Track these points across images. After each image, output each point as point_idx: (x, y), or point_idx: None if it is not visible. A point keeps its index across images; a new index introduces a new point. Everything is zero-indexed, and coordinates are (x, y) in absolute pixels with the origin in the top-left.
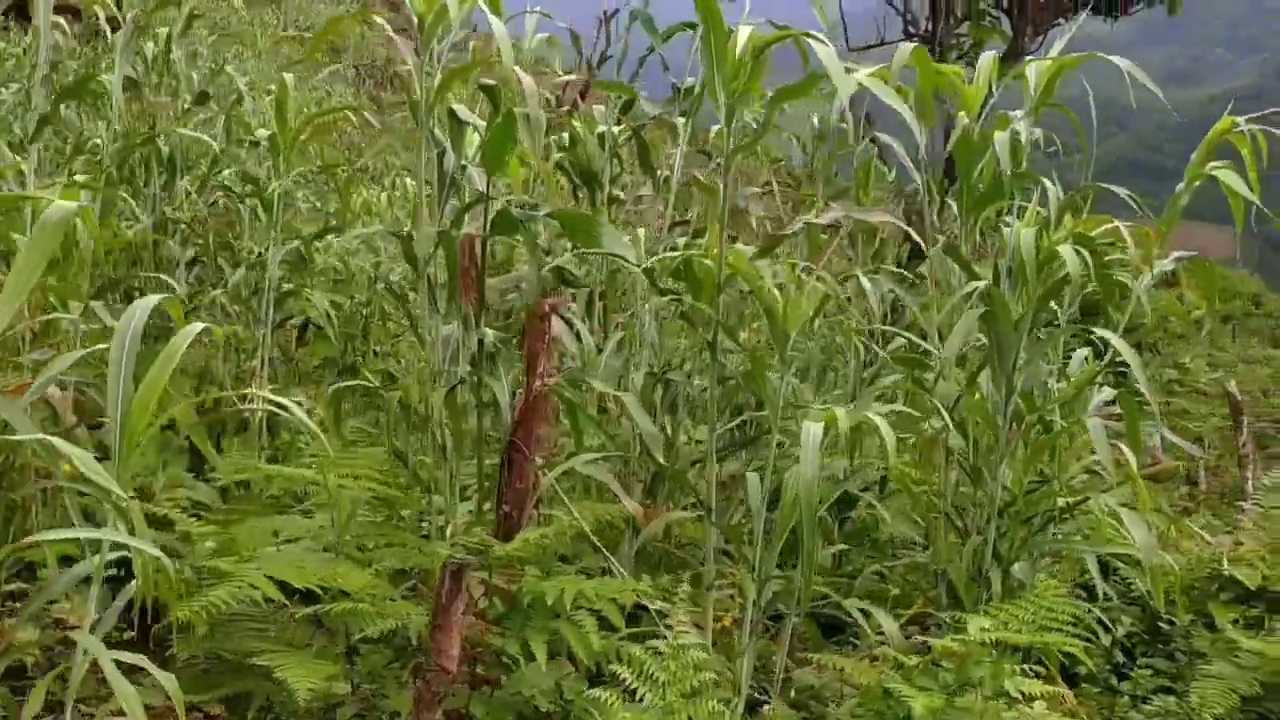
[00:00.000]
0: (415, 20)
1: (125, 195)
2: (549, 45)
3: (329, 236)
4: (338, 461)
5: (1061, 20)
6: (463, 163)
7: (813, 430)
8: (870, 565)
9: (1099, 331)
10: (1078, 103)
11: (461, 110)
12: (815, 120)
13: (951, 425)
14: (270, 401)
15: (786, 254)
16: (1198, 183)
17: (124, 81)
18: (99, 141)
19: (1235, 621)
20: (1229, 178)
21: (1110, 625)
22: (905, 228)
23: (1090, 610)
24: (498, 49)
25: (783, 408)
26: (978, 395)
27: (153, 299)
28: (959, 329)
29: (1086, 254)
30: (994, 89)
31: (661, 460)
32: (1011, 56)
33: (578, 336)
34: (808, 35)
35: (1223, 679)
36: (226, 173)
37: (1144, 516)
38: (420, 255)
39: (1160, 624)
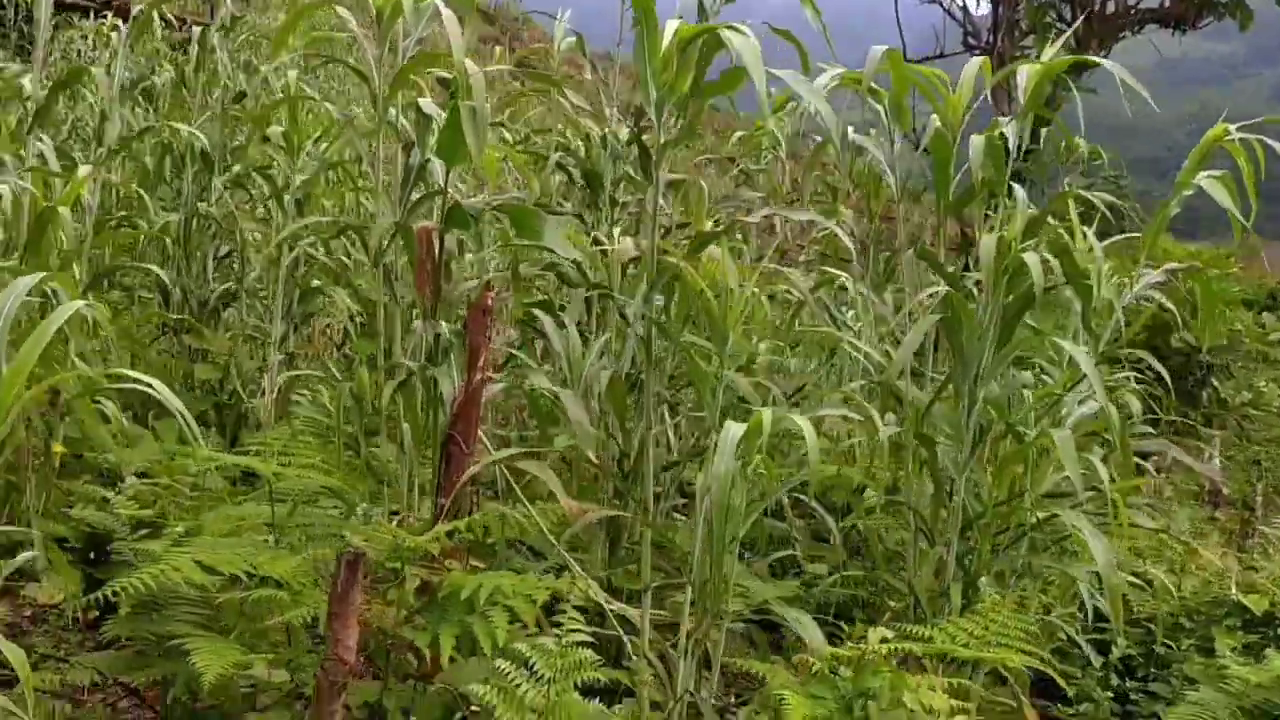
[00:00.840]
0: (375, 12)
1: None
2: (578, 46)
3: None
4: (293, 451)
5: (1128, 33)
6: (426, 156)
7: (732, 431)
8: (859, 574)
9: (1062, 342)
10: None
11: (425, 104)
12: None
13: (912, 434)
14: (139, 381)
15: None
16: (1188, 192)
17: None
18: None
19: (1235, 649)
20: (1214, 187)
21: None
22: (839, 232)
23: (1080, 630)
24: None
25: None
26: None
27: (32, 278)
28: (911, 336)
29: (1055, 261)
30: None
31: (593, 458)
32: (1073, 70)
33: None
34: (730, 28)
35: (1201, 705)
36: (235, 169)
37: (1103, 535)
38: (372, 246)
39: (1155, 648)
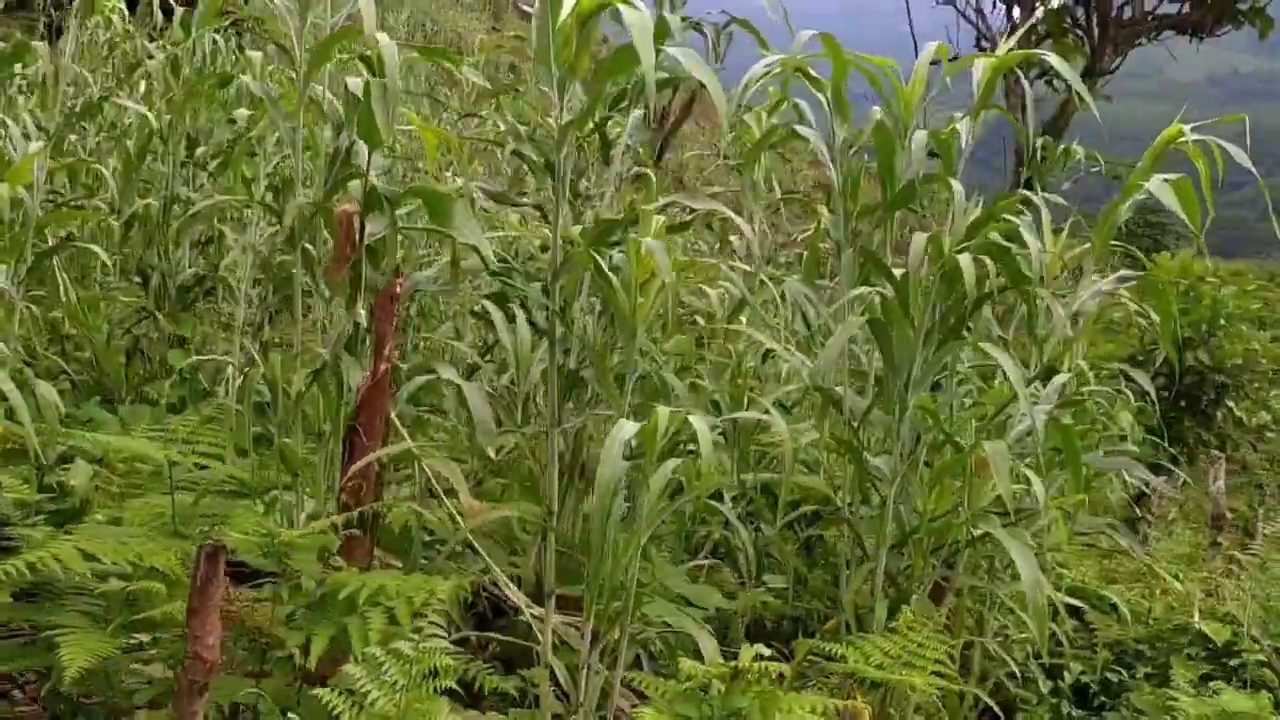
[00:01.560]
0: None
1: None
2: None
3: None
4: (198, 438)
5: (1143, 40)
6: (352, 138)
7: (623, 430)
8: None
9: (985, 347)
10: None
11: (353, 82)
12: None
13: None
14: None
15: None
16: (1140, 196)
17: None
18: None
19: (1190, 680)
20: (1162, 191)
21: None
22: (732, 215)
23: (1032, 654)
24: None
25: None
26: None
27: None
28: (835, 339)
29: (989, 264)
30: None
31: (491, 454)
32: (1089, 75)
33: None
34: (622, 1)
35: None
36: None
37: (1030, 552)
38: (285, 226)
39: (1110, 676)
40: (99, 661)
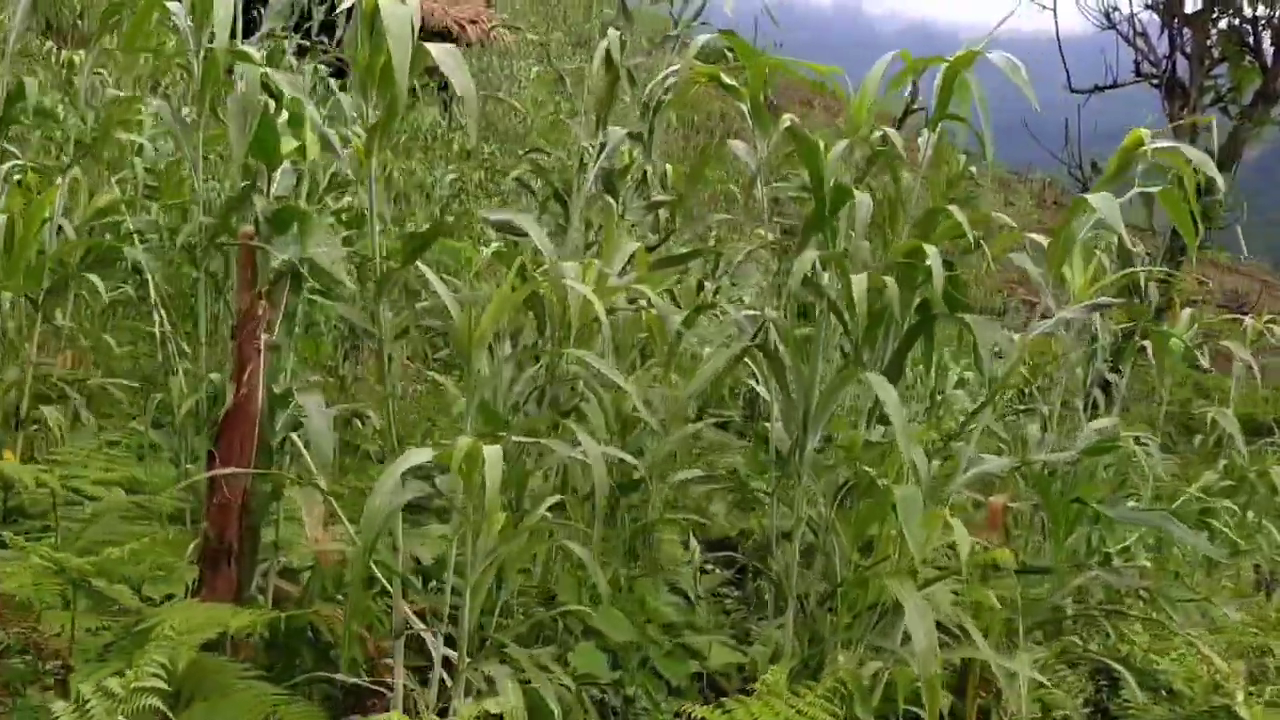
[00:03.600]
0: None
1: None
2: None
3: None
4: (89, 463)
5: None
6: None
7: (408, 457)
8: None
9: (869, 377)
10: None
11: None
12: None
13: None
14: None
15: None
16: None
17: None
18: None
19: None
20: (1100, 201)
21: None
22: (533, 230)
23: None
24: None
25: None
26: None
27: None
28: (709, 365)
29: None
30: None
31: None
32: (1263, 99)
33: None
34: None
35: None
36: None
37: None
38: (180, 243)
39: None
40: None
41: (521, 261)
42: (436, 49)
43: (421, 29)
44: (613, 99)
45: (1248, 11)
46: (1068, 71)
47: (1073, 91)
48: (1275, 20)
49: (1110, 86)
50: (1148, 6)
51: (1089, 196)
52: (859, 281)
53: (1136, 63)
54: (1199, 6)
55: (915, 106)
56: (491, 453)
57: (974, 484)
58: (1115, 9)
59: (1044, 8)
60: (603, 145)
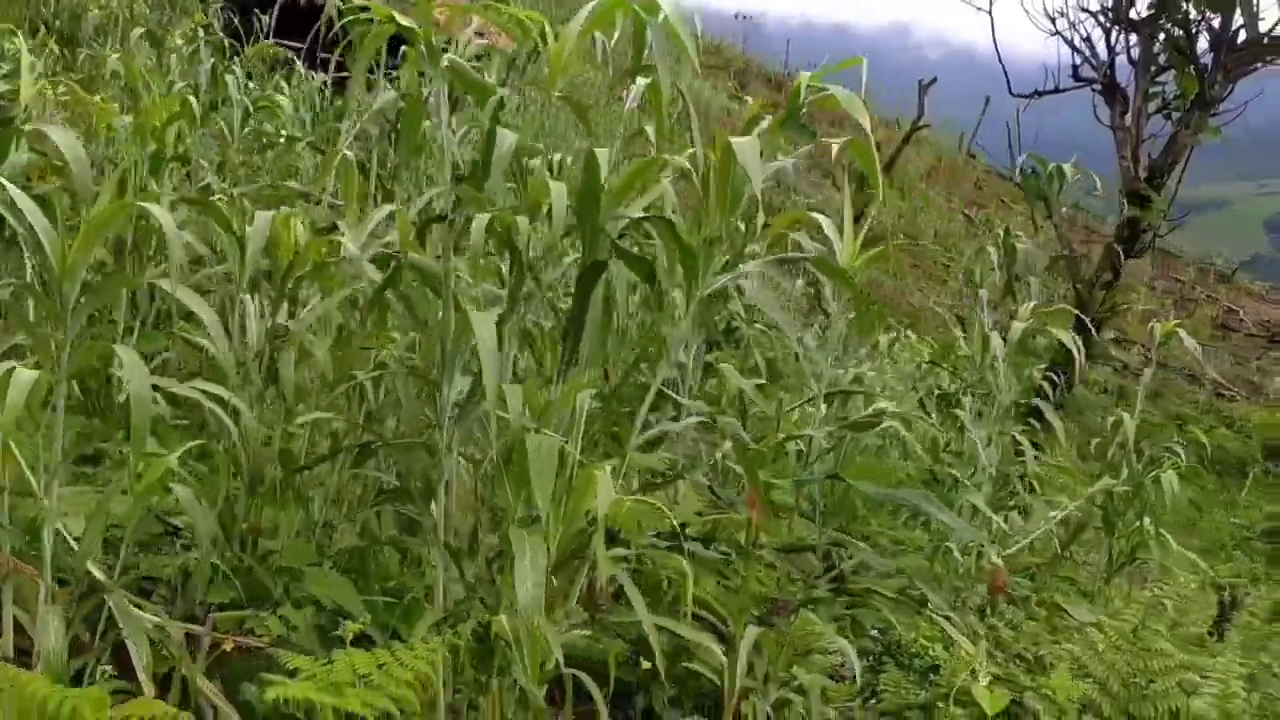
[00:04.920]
0: None
1: None
2: None
3: None
4: None
5: (1258, 65)
6: None
7: None
8: None
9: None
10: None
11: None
12: None
13: None
14: None
15: None
16: None
17: None
18: None
19: None
20: (742, 145)
21: None
22: None
23: None
24: None
25: None
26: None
27: None
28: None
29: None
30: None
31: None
32: (1199, 106)
33: None
34: None
35: None
36: None
37: None
38: None
39: None
40: None
41: None
42: None
43: None
44: None
45: (1193, 15)
46: (1007, 77)
47: (1013, 96)
48: (1209, 25)
49: (1051, 92)
50: (1085, 10)
51: (732, 139)
52: (478, 223)
53: (1075, 66)
54: (1148, 12)
55: (921, 124)
56: None
57: None
58: (1063, 14)
59: (979, 9)
60: None
